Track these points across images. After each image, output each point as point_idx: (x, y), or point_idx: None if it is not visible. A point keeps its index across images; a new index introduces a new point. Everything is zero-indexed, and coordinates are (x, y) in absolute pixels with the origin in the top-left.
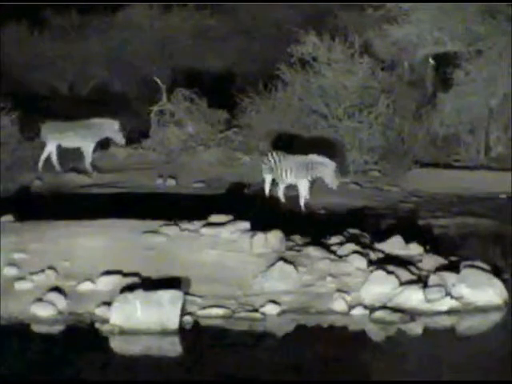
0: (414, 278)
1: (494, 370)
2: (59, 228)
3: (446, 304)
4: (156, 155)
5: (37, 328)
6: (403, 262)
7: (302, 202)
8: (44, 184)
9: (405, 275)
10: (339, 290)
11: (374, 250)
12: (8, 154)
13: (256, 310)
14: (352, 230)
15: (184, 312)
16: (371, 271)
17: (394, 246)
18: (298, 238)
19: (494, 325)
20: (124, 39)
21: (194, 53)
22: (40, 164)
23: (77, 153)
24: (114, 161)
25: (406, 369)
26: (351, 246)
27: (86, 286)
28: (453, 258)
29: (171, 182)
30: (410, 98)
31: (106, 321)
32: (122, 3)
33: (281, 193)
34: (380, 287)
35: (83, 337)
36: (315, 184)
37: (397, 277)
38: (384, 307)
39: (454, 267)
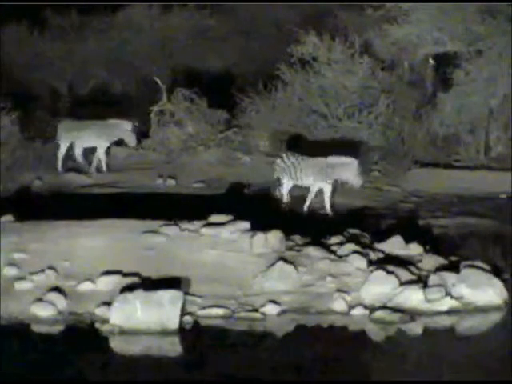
0: (414, 277)
1: (493, 369)
2: (59, 228)
3: (446, 304)
4: (156, 155)
5: (37, 328)
6: (403, 262)
7: (327, 206)
8: (44, 184)
9: (405, 275)
10: (339, 290)
11: (373, 249)
12: (8, 154)
13: (256, 310)
14: (352, 230)
15: (184, 312)
16: (371, 271)
17: (394, 246)
18: (297, 238)
19: (494, 325)
20: (124, 39)
21: (194, 53)
22: (59, 163)
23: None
24: (114, 161)
25: (406, 369)
26: (351, 246)
27: (85, 286)
28: (453, 258)
29: (171, 182)
30: (410, 98)
31: (105, 321)
32: (122, 3)
33: (286, 192)
34: (380, 287)
35: (83, 337)
36: None
37: (397, 277)
38: (384, 307)
39: (454, 267)
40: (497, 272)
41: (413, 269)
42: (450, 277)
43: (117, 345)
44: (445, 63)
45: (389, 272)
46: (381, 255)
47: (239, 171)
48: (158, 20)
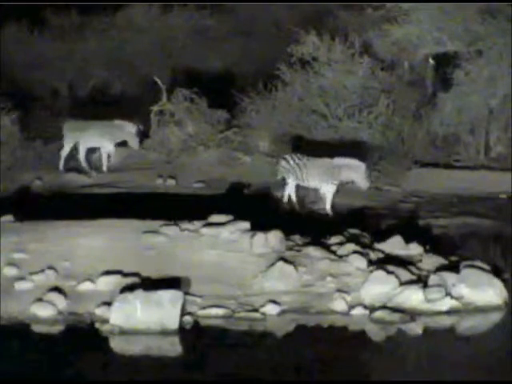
0: (414, 278)
1: (493, 369)
2: (59, 228)
3: (446, 304)
4: (156, 155)
5: (37, 328)
6: (403, 262)
7: (328, 206)
8: (44, 184)
9: (405, 275)
10: (339, 290)
11: (373, 249)
12: (8, 154)
13: (256, 310)
14: (352, 230)
15: (184, 312)
16: (371, 271)
17: (394, 246)
18: (297, 238)
19: (494, 325)
20: (124, 39)
21: (194, 53)
22: (61, 163)
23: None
24: (114, 161)
25: (405, 369)
26: (351, 246)
27: (85, 286)
28: (453, 258)
29: (171, 182)
30: (409, 98)
31: (105, 321)
32: (122, 3)
33: (293, 194)
34: (380, 287)
35: (83, 337)
36: None
37: (397, 277)
38: (384, 307)
39: (454, 267)
40: (497, 272)
41: (413, 269)
42: (450, 277)
43: (117, 345)
44: (445, 63)
45: (389, 272)
46: (381, 255)
47: (239, 171)
48: (157, 20)
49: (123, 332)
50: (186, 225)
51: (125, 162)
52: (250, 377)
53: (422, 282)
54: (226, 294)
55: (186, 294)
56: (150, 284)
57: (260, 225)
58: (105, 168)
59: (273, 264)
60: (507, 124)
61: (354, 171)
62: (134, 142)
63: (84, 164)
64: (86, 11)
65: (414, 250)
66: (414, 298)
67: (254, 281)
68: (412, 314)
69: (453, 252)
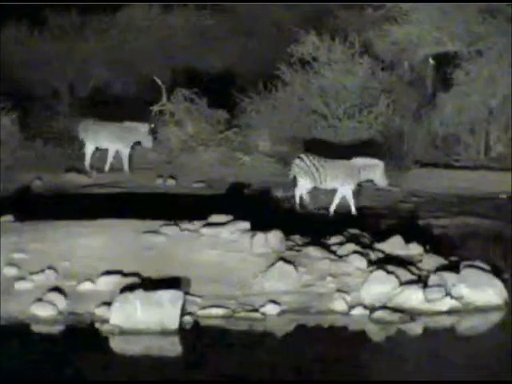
0: (414, 278)
1: (493, 369)
2: (59, 228)
3: (446, 304)
4: (156, 155)
5: (37, 328)
6: (403, 262)
7: (352, 207)
8: (44, 184)
9: (405, 275)
10: (339, 290)
11: (373, 249)
12: (8, 154)
13: (256, 310)
14: (352, 230)
15: (184, 312)
16: (371, 271)
17: (394, 245)
18: (297, 238)
19: (494, 325)
20: (124, 39)
21: (194, 53)
22: (86, 164)
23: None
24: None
25: (405, 369)
26: (351, 246)
27: (86, 286)
28: (453, 258)
29: (171, 182)
30: (409, 98)
31: (105, 321)
32: (122, 3)
33: (307, 195)
34: (380, 287)
35: (83, 337)
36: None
37: (397, 277)
38: (384, 307)
39: (454, 267)
40: (497, 272)
41: (413, 269)
42: (450, 277)
43: (117, 345)
44: (445, 63)
45: (389, 272)
46: (381, 255)
47: (239, 171)
48: (157, 20)
49: (123, 332)
50: (185, 225)
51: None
52: (249, 377)
53: (422, 282)
54: (226, 294)
55: (186, 293)
56: (150, 284)
57: (260, 225)
58: (107, 168)
59: (273, 264)
60: (507, 124)
61: (373, 170)
62: (147, 142)
63: (87, 164)
64: (85, 11)
65: (414, 250)
66: (413, 297)
67: (254, 281)
68: (412, 314)
69: (453, 252)
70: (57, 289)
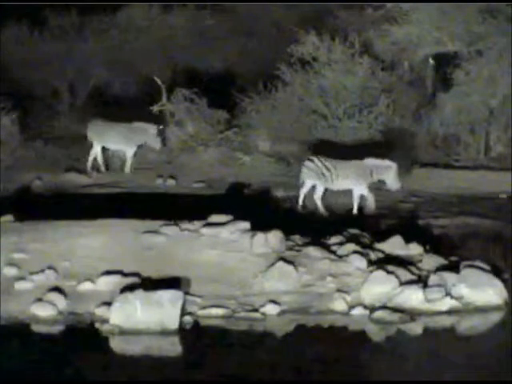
0: (414, 277)
1: (493, 369)
2: (59, 228)
3: (446, 304)
4: (156, 155)
5: (37, 328)
6: (403, 262)
7: (372, 206)
8: (44, 184)
9: (405, 275)
10: (339, 290)
11: (374, 249)
12: (8, 154)
13: (256, 310)
14: (352, 230)
15: (184, 312)
16: (371, 271)
17: (394, 245)
18: (297, 238)
19: (494, 325)
20: (124, 39)
21: (194, 53)
22: (88, 164)
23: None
24: (114, 161)
25: (405, 369)
26: (351, 246)
27: (86, 286)
28: (453, 258)
29: (171, 182)
30: (409, 97)
31: (105, 321)
32: (122, 3)
33: (319, 197)
34: (380, 287)
35: (83, 337)
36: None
37: (397, 277)
38: (384, 307)
39: (454, 267)
40: (497, 272)
41: (413, 269)
42: (450, 277)
43: (117, 345)
44: (445, 63)
45: (389, 272)
46: (381, 255)
47: (239, 171)
48: (157, 20)
49: (123, 332)
50: (185, 225)
51: (125, 162)
52: (249, 377)
53: (422, 281)
54: (226, 294)
55: (186, 293)
56: (150, 284)
57: (260, 225)
58: (129, 169)
59: (273, 264)
60: (507, 124)
61: (386, 172)
62: (155, 144)
63: (101, 163)
64: (85, 11)
65: (414, 249)
66: (413, 297)
67: (254, 281)
68: (412, 314)
69: (453, 252)
70: (57, 289)
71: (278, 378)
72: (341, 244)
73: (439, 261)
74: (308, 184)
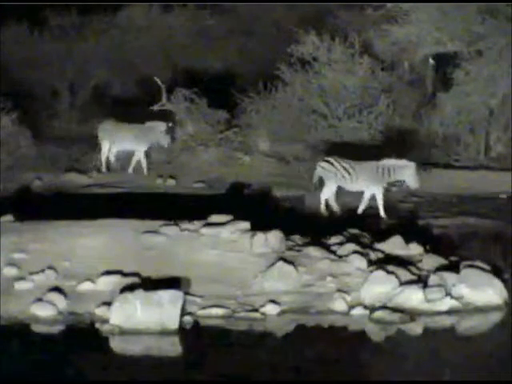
0: (414, 278)
1: (494, 369)
2: (59, 228)
3: (446, 304)
4: (156, 155)
5: (37, 328)
6: (403, 262)
7: (381, 209)
8: (44, 184)
9: (405, 275)
10: (339, 290)
11: (374, 249)
12: (8, 154)
13: (256, 310)
14: (352, 230)
15: (184, 312)
16: (371, 271)
17: (394, 245)
18: (297, 238)
19: (494, 325)
20: (124, 39)
21: (194, 53)
22: (103, 164)
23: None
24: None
25: (405, 369)
26: (351, 246)
27: (86, 286)
28: (453, 258)
29: (171, 182)
30: (410, 98)
31: (105, 321)
32: (121, 3)
33: (333, 197)
34: (380, 287)
35: (83, 337)
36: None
37: (397, 277)
38: (384, 307)
39: (454, 267)
40: (497, 272)
41: (413, 269)
42: (450, 277)
43: (117, 345)
44: (445, 63)
45: (389, 272)
46: (381, 255)
47: (239, 171)
48: (157, 20)
49: (123, 332)
50: (185, 225)
51: (125, 162)
52: (249, 377)
53: (422, 282)
54: (226, 294)
55: (186, 293)
56: (150, 284)
57: (260, 225)
58: (145, 171)
59: (273, 264)
60: (507, 124)
61: (405, 171)
62: (164, 142)
63: (104, 163)
64: (85, 11)
65: (414, 249)
66: (414, 297)
67: (254, 281)
68: (412, 314)
69: (453, 252)
70: (57, 289)
71: (278, 378)
72: (341, 244)
73: (439, 261)
74: (331, 186)
